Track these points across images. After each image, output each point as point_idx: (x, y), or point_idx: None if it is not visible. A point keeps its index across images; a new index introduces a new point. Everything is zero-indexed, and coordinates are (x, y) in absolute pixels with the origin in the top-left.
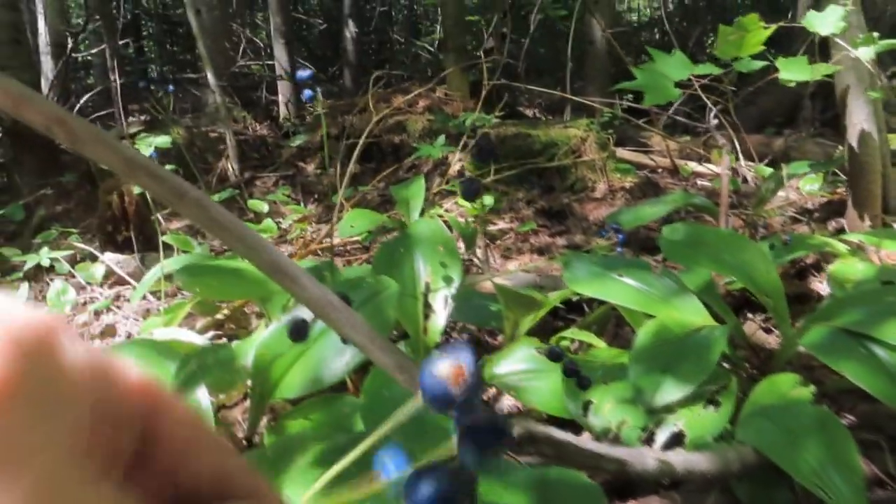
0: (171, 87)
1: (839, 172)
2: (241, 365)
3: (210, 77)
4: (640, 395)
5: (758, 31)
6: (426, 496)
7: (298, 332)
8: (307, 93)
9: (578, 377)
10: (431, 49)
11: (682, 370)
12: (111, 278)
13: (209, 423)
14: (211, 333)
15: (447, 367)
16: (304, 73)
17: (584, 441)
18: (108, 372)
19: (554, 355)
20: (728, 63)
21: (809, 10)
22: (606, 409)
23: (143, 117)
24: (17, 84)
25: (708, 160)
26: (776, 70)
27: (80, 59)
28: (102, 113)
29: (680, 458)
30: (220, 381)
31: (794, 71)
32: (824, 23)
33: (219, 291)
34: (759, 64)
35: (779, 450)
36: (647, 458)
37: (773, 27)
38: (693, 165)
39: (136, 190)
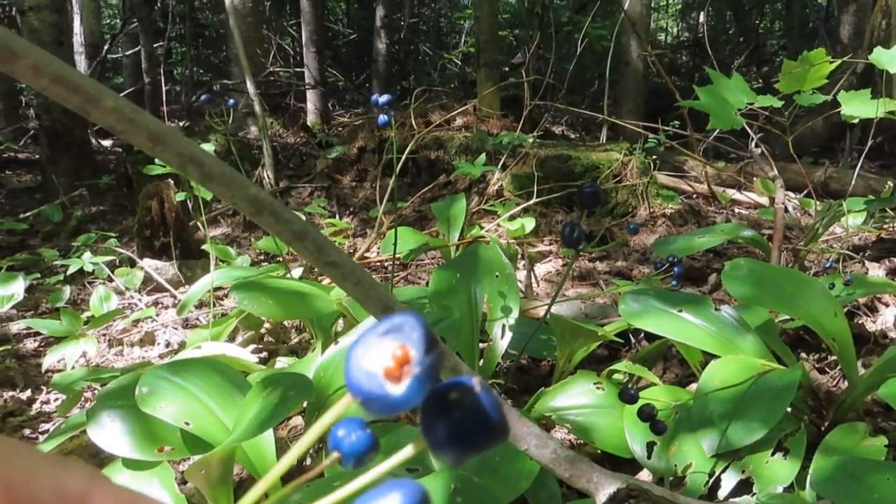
0: (231, 102)
1: (887, 208)
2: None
3: (249, 85)
4: (707, 439)
5: (822, 66)
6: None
7: None
8: (382, 118)
9: (654, 422)
10: (458, 62)
11: (751, 415)
12: (148, 284)
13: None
14: (252, 347)
15: (383, 352)
16: (383, 98)
17: (678, 497)
18: None
19: (628, 397)
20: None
21: (877, 47)
22: (671, 452)
23: (182, 123)
24: (155, 122)
25: (748, 188)
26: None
27: (109, 59)
28: None
29: None
30: (295, 408)
31: (857, 107)
32: (894, 60)
33: (275, 311)
34: (821, 98)
35: None
36: None
37: (838, 62)
38: (731, 193)
39: (178, 197)
